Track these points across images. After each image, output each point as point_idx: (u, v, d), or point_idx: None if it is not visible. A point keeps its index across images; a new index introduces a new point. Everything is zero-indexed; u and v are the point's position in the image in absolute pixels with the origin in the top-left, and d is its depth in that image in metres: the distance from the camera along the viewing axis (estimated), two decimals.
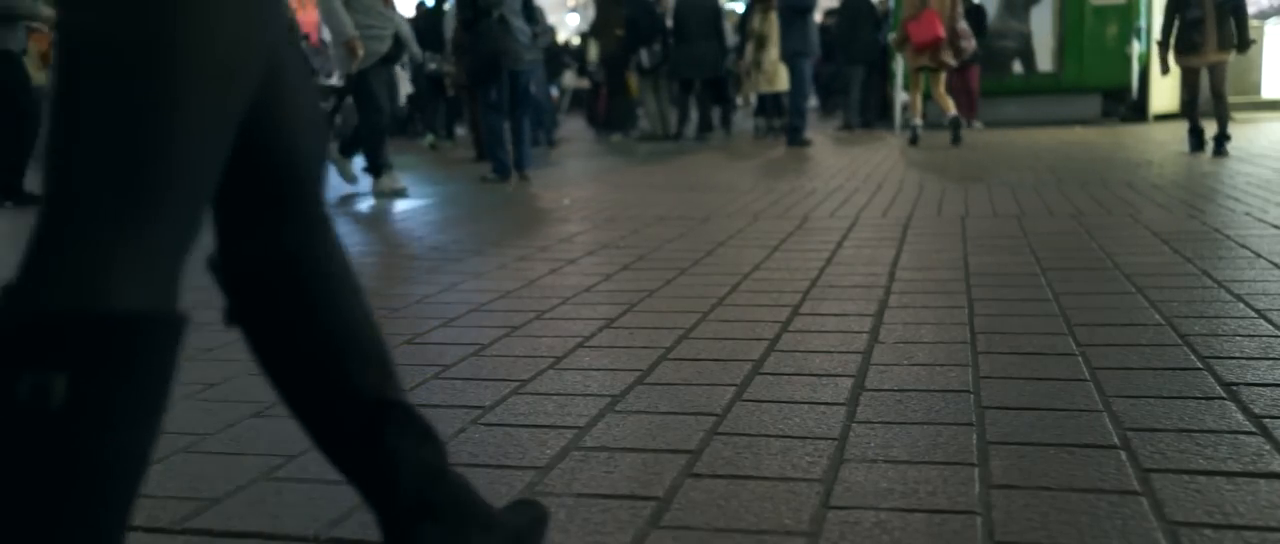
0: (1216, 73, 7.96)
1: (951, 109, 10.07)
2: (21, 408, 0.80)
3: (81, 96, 0.84)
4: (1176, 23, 7.97)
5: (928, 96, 10.87)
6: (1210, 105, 8.11)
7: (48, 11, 6.90)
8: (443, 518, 1.25)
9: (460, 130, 15.05)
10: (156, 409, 0.87)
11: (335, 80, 16.09)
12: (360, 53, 6.67)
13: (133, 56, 0.84)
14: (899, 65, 11.83)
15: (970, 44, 10.26)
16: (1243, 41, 7.89)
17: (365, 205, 6.37)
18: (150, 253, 0.86)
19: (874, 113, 14.11)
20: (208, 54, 0.87)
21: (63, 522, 0.82)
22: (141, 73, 0.84)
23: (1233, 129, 10.68)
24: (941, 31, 9.84)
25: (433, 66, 13.09)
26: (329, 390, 1.16)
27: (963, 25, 10.17)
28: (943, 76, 10.21)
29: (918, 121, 10.22)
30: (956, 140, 9.88)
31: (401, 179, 7.41)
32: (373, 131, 6.99)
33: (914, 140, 10.09)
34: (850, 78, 13.87)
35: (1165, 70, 8.22)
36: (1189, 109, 8.22)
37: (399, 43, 7.05)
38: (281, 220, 1.10)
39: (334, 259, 1.15)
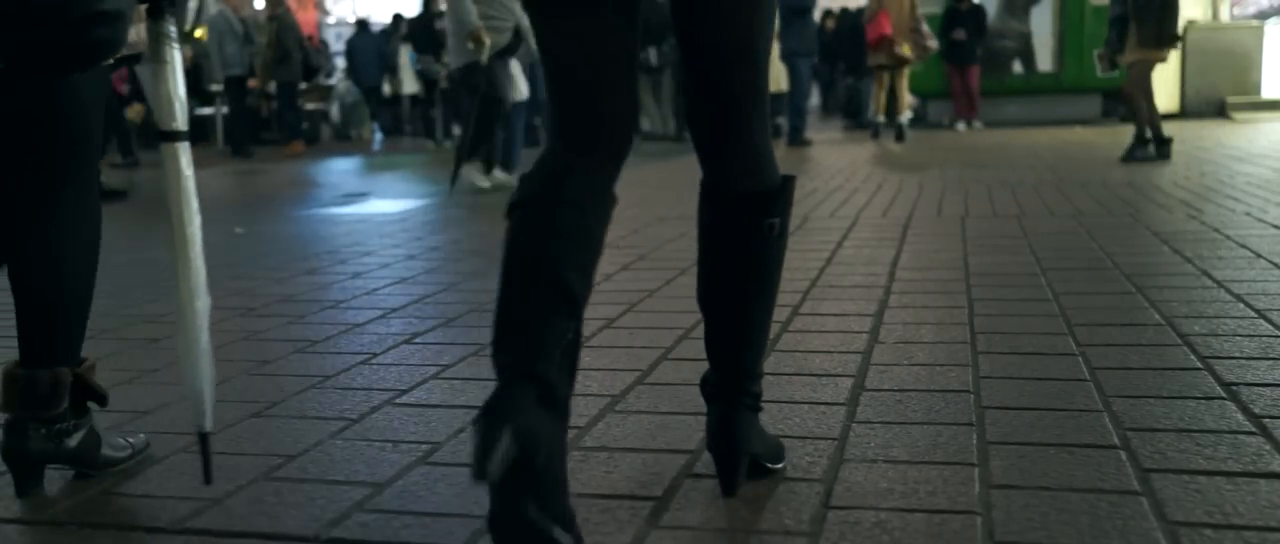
0: (1132, 71, 7.61)
1: (899, 110, 11.08)
2: (764, 235, 1.58)
3: (762, 63, 1.54)
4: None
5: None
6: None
7: None
8: (537, 495, 1.26)
9: (457, 130, 15.07)
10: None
11: (334, 80, 16.11)
12: (486, 43, 6.51)
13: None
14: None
15: (932, 43, 11.09)
16: (1161, 38, 7.48)
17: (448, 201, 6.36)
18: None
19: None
20: None
21: (775, 292, 1.65)
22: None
23: (1232, 129, 10.68)
24: (888, 30, 10.77)
25: (419, 67, 13.17)
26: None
27: (925, 26, 11.03)
28: (905, 75, 11.21)
29: (880, 119, 11.17)
30: (900, 136, 10.84)
31: (488, 179, 7.01)
32: (487, 121, 6.80)
33: (876, 135, 11.09)
34: (864, 91, 13.99)
35: (1106, 68, 8.09)
36: (1133, 112, 7.75)
37: (519, 35, 6.93)
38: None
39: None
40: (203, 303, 1.65)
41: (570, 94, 1.48)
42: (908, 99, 11.28)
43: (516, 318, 1.36)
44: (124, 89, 10.98)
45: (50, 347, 1.73)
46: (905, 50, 10.90)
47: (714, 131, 1.57)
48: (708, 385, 1.64)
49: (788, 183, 1.60)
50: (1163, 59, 7.62)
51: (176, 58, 1.64)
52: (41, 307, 1.73)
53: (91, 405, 1.79)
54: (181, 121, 1.63)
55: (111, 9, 1.52)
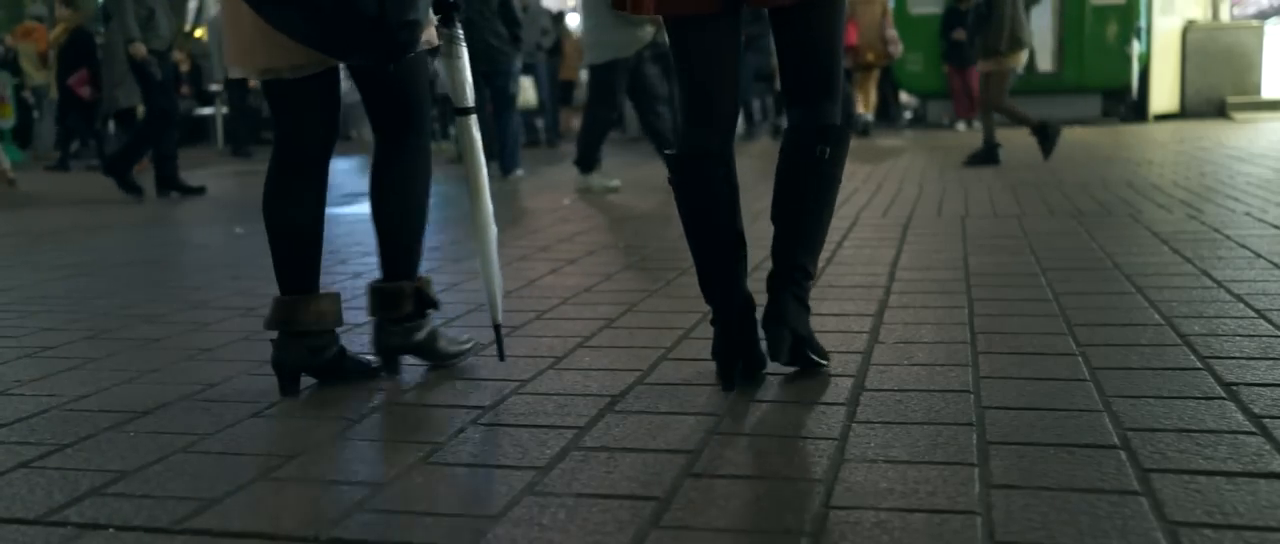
0: (988, 81, 7.86)
1: (863, 109, 12.11)
2: (816, 157, 2.17)
3: (838, 36, 2.19)
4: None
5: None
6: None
7: (135, 33, 7.01)
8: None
9: (453, 130, 15.06)
10: (842, 174, 2.25)
11: None
12: (652, 26, 6.34)
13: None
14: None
15: (897, 48, 12.05)
16: (987, 48, 7.71)
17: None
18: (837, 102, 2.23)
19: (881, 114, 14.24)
20: None
21: (827, 207, 2.23)
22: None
23: (1232, 129, 10.68)
24: (854, 40, 11.71)
25: None
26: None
27: (891, 32, 11.99)
28: (873, 78, 12.38)
29: (868, 117, 12.16)
30: (863, 132, 11.80)
31: (613, 178, 6.89)
32: (598, 125, 6.67)
33: (864, 132, 11.82)
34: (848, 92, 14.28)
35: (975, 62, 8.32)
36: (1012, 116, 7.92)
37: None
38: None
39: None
40: (493, 231, 2.32)
41: (702, 90, 2.18)
42: (869, 99, 12.35)
43: (720, 271, 2.20)
44: (84, 92, 10.61)
45: (399, 264, 2.34)
46: (870, 57, 11.91)
47: (802, 97, 2.21)
48: (769, 279, 2.23)
49: (844, 130, 2.19)
50: (1003, 68, 7.78)
51: (464, 53, 2.26)
52: (391, 232, 2.34)
53: (429, 311, 2.38)
54: (471, 100, 2.28)
55: (413, 19, 2.09)
